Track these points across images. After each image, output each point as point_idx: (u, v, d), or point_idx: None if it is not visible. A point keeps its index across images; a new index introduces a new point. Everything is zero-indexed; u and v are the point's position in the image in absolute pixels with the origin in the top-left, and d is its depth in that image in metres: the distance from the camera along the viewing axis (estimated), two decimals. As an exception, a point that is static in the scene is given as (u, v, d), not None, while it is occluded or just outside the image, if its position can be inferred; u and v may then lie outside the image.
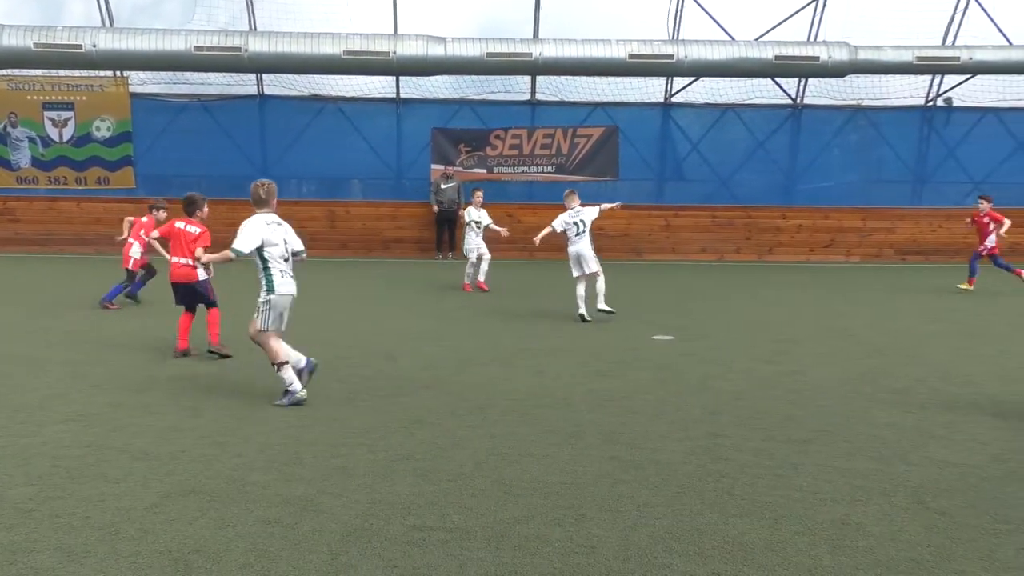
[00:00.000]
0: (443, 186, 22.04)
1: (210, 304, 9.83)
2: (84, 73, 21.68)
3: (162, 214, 12.84)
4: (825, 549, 4.63)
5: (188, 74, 22.02)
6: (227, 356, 9.55)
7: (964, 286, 16.47)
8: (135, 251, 13.35)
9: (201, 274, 9.73)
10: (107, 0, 21.81)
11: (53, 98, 22.33)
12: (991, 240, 16.34)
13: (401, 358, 9.71)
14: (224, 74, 21.88)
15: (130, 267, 13.43)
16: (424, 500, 5.27)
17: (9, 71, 21.33)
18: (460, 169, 22.85)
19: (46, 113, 22.29)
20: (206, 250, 9.20)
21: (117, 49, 19.80)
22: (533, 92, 23.53)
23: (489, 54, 20.24)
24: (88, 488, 5.41)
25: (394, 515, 5.03)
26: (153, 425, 6.87)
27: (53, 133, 22.37)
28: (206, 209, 9.98)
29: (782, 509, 5.20)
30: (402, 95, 23.31)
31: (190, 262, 9.61)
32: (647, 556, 4.52)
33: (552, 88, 23.43)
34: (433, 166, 22.92)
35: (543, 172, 23.27)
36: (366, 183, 23.40)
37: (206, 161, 22.49)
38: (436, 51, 20.17)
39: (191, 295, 9.82)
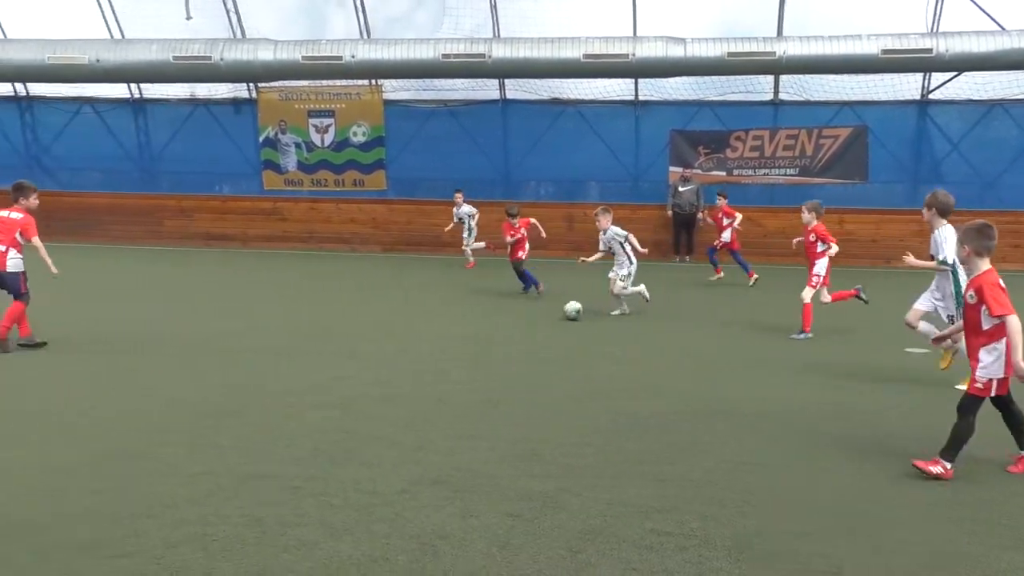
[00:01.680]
0: (681, 189, 21.82)
1: (17, 296, 9.75)
2: (343, 82, 23.27)
3: (516, 221, 14.28)
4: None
5: (436, 81, 23.09)
6: (39, 344, 9.76)
7: (713, 278, 17.44)
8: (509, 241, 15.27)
9: (12, 265, 9.66)
10: (365, 14, 23.28)
11: (316, 106, 24.13)
12: (727, 235, 17.35)
13: (633, 361, 9.70)
14: (469, 80, 22.75)
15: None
16: (662, 504, 5.25)
17: (281, 83, 23.28)
18: (699, 171, 22.52)
19: (311, 120, 24.14)
20: (35, 238, 9.68)
21: (372, 59, 21.11)
22: (776, 92, 22.76)
23: (730, 54, 19.80)
24: (346, 471, 5.81)
25: (632, 517, 5.04)
26: (401, 416, 7.28)
27: (316, 139, 24.19)
28: (33, 199, 10.02)
29: (1057, 545, 4.74)
30: (640, 97, 23.27)
31: (2, 249, 9.64)
32: (900, 582, 4.27)
33: (796, 87, 22.54)
34: (671, 168, 22.73)
35: (786, 175, 22.46)
36: (603, 185, 23.52)
37: (451, 164, 23.47)
38: (675, 52, 19.98)
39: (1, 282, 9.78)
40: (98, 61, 21.61)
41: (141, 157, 25.42)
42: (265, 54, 21.19)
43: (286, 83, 23.44)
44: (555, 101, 23.48)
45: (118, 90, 24.63)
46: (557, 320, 12.43)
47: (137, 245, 23.37)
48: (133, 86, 24.49)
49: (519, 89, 23.54)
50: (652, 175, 23.08)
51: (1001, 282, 5.85)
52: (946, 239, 8.22)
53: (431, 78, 22.60)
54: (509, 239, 15.05)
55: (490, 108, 23.81)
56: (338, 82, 23.24)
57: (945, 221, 8.41)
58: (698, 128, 22.91)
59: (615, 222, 13.08)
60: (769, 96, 22.84)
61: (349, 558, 4.46)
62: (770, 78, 22.30)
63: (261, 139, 24.37)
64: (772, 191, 22.83)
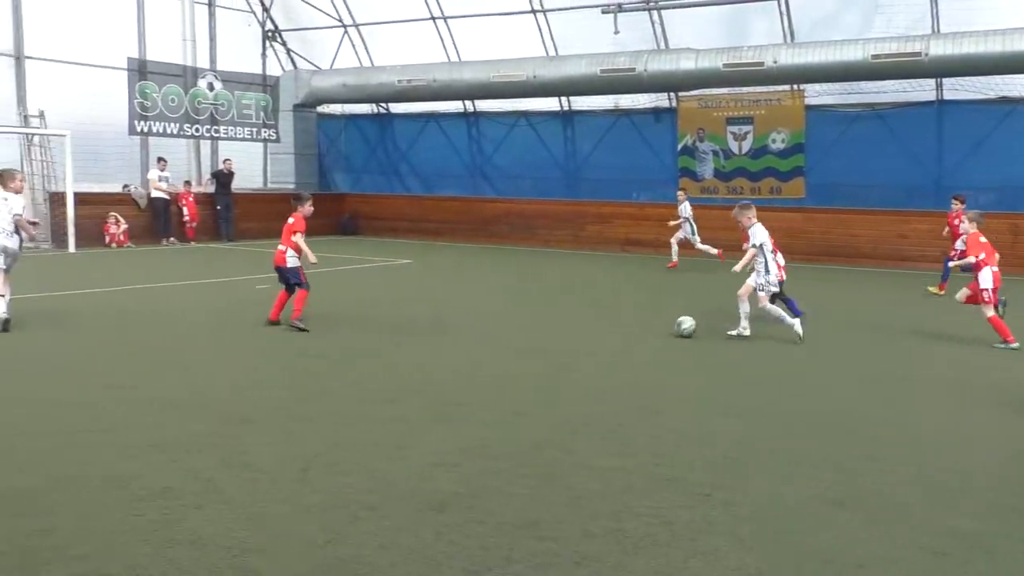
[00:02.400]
0: None
1: (299, 286, 11.22)
2: (763, 88, 22.90)
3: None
4: None
5: (862, 83, 21.91)
6: (302, 330, 10.93)
7: (934, 290, 15.83)
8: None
9: (291, 263, 11.22)
10: (789, 17, 22.72)
11: (735, 113, 24.04)
12: (960, 243, 14.53)
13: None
14: (900, 81, 21.27)
15: None
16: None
17: (700, 91, 23.55)
18: None
19: (728, 128, 24.10)
20: (297, 234, 11.23)
21: (795, 63, 20.59)
22: None
23: None
24: (754, 482, 5.78)
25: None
26: (802, 430, 7.06)
27: (733, 146, 24.11)
28: (308, 206, 11.55)
29: None
30: (1113, 90, 20.15)
31: (280, 247, 11.28)
32: None
33: None
34: None
35: None
36: (1063, 193, 20.70)
37: (875, 170, 22.09)
38: None
39: (281, 276, 11.40)
40: (534, 77, 23.50)
41: (567, 165, 27.17)
42: (687, 63, 21.60)
43: (705, 91, 23.65)
44: (1003, 100, 21.13)
45: (550, 103, 26.54)
46: (907, 335, 11.17)
47: (561, 249, 24.97)
48: (563, 99, 26.23)
49: (959, 88, 21.48)
50: None
51: None
52: None
53: (859, 80, 21.52)
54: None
55: (924, 110, 22.04)
56: (758, 88, 22.95)
57: None
58: None
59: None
60: None
61: (757, 571, 4.44)
62: None
63: (679, 147, 24.82)
64: None
